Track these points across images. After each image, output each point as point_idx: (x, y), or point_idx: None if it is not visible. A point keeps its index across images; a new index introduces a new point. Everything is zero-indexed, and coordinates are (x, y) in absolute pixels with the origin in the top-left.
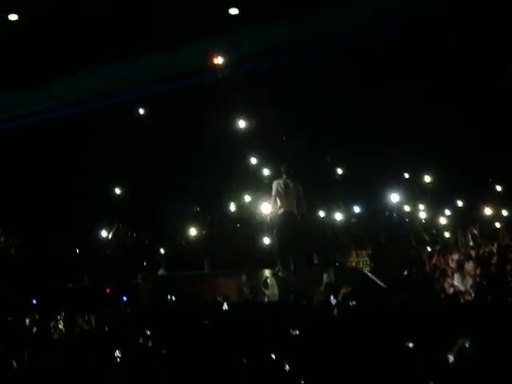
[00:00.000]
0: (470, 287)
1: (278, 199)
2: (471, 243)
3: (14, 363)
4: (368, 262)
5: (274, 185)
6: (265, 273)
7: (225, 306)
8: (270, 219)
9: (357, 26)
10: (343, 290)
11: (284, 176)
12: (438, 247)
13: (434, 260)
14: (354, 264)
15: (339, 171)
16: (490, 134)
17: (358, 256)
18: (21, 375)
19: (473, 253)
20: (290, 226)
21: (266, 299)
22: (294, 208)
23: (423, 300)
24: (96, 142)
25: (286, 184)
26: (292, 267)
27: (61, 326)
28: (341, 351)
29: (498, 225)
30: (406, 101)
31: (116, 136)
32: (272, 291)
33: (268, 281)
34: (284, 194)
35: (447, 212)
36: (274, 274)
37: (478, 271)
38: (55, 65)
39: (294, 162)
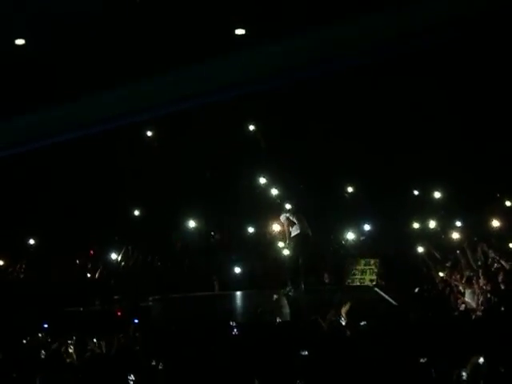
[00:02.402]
0: (481, 304)
1: (288, 227)
2: (481, 260)
3: None
4: (375, 270)
5: (283, 217)
6: (276, 294)
7: (236, 330)
8: (286, 243)
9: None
10: (344, 309)
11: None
12: (448, 264)
13: (445, 277)
14: (360, 272)
15: (349, 189)
16: (498, 149)
17: (366, 264)
18: None
19: (483, 269)
20: (302, 249)
21: (277, 320)
22: (304, 230)
23: (436, 318)
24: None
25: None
26: (302, 287)
27: (71, 351)
28: (353, 370)
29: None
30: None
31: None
32: (284, 311)
33: (279, 302)
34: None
35: (457, 228)
36: (285, 295)
37: (489, 287)
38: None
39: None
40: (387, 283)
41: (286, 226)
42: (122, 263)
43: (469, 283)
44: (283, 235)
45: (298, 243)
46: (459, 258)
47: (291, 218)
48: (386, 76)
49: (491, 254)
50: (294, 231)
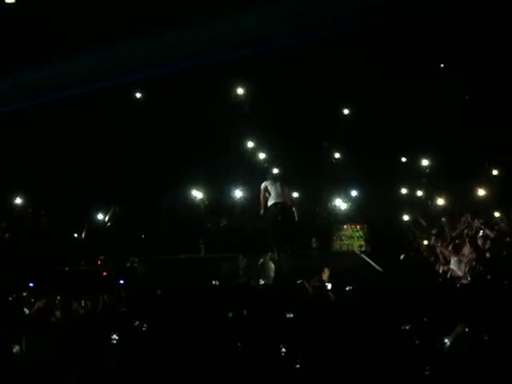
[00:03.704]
0: (467, 271)
1: (266, 194)
2: (467, 228)
3: (16, 348)
4: (363, 236)
5: (262, 185)
6: (261, 256)
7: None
8: (263, 212)
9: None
10: (328, 274)
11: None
12: (434, 231)
13: (431, 244)
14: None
15: (337, 155)
16: (487, 120)
17: (353, 230)
18: (19, 359)
19: (469, 237)
20: (284, 215)
21: (261, 282)
22: (286, 199)
23: (420, 284)
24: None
25: (272, 183)
26: (289, 251)
27: (57, 310)
28: (337, 335)
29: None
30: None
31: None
32: (268, 275)
33: (265, 264)
34: (273, 190)
35: (444, 196)
36: (271, 259)
37: (474, 255)
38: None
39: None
40: (374, 249)
41: (262, 196)
42: (109, 224)
43: (454, 251)
44: (260, 204)
45: (272, 213)
46: (445, 226)
47: (269, 187)
48: (375, 41)
49: (476, 222)
50: (271, 200)
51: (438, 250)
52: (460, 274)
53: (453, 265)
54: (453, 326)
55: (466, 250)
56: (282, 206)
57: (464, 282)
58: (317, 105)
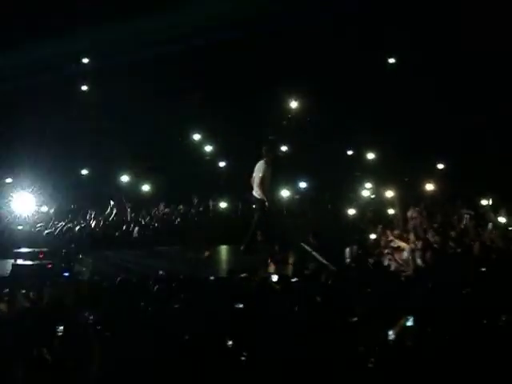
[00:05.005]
0: (412, 263)
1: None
2: (413, 220)
3: None
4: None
5: (263, 167)
6: (209, 248)
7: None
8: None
9: None
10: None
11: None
12: (381, 224)
13: (377, 236)
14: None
15: (283, 149)
16: (431, 112)
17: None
18: None
19: (415, 230)
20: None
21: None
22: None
23: (365, 276)
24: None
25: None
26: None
27: (2, 303)
28: (283, 326)
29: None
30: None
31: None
32: (220, 267)
33: (211, 257)
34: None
35: (391, 189)
36: (227, 251)
37: (420, 247)
38: None
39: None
40: (319, 241)
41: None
42: (55, 215)
43: (402, 240)
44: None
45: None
46: (392, 219)
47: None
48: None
49: (424, 213)
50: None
51: (383, 243)
52: (404, 266)
53: (397, 257)
54: (397, 319)
55: (412, 242)
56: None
57: (409, 274)
58: (263, 98)
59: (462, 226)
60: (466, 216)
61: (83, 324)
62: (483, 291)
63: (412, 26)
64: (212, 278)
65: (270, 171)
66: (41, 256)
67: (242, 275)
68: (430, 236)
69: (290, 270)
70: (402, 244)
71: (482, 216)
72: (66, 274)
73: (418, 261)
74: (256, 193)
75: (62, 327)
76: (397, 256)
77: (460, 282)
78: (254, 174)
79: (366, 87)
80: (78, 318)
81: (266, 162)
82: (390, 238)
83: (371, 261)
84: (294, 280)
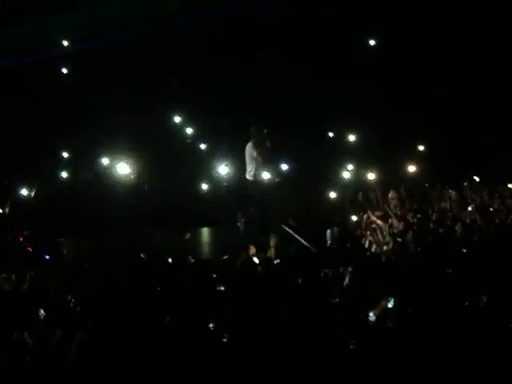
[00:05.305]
0: (393, 245)
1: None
2: (393, 201)
3: None
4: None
5: (252, 148)
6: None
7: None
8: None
9: None
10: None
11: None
12: (361, 206)
13: (357, 218)
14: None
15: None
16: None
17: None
18: None
19: (395, 211)
20: None
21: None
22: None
23: (346, 258)
24: None
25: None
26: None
27: None
28: (264, 309)
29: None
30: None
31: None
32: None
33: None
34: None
35: (372, 171)
36: (210, 233)
37: (401, 228)
38: None
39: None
40: (300, 224)
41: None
42: (35, 198)
43: (380, 224)
44: None
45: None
46: (372, 200)
47: None
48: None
49: (404, 194)
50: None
51: (364, 224)
52: (385, 247)
53: (378, 238)
54: (378, 300)
55: (393, 224)
56: None
57: (389, 255)
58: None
59: (443, 207)
60: (448, 196)
61: (65, 307)
62: (464, 272)
63: (392, 6)
64: (192, 260)
65: (261, 151)
66: (21, 239)
67: (224, 257)
68: (410, 217)
69: (271, 252)
70: (383, 225)
71: (463, 196)
72: (47, 258)
73: (399, 241)
74: (248, 175)
75: (43, 311)
76: (377, 237)
77: (441, 262)
78: (247, 158)
79: (346, 69)
80: (60, 302)
81: (254, 144)
82: (371, 219)
83: (351, 242)
84: (275, 262)
